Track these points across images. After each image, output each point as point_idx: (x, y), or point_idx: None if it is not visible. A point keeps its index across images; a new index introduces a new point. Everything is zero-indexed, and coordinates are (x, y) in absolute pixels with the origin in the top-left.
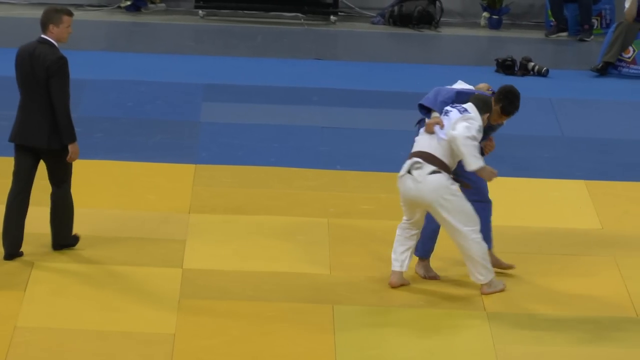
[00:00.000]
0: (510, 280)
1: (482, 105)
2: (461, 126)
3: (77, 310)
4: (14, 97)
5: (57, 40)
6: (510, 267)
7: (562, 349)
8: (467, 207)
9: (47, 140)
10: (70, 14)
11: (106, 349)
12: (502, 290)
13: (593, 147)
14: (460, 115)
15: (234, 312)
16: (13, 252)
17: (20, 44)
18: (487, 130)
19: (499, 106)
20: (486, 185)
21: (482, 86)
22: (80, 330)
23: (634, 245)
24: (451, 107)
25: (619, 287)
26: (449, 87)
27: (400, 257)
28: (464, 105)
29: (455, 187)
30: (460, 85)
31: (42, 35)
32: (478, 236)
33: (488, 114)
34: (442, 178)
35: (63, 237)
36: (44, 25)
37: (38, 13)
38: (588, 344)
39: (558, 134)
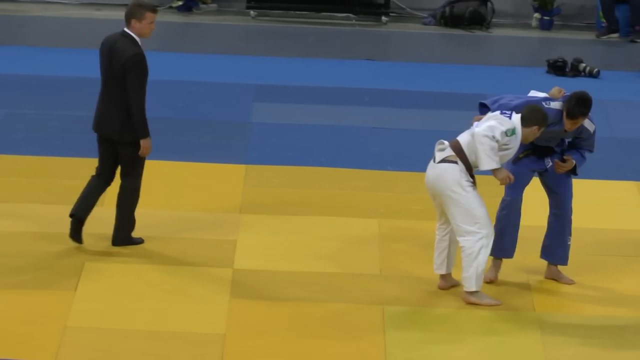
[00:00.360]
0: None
1: (530, 115)
2: (486, 124)
3: (127, 310)
4: (64, 97)
5: (139, 35)
6: (570, 282)
7: (612, 353)
8: (476, 206)
9: (120, 131)
10: (155, 11)
11: (156, 349)
12: (488, 305)
13: None
14: (497, 115)
15: (283, 312)
16: (77, 213)
17: (71, 44)
18: (571, 136)
19: (566, 110)
20: (569, 199)
21: (555, 91)
22: (130, 330)
23: None
24: (502, 112)
25: None
26: (519, 96)
27: (438, 260)
28: (513, 113)
29: (467, 182)
30: (532, 94)
31: (125, 29)
32: (477, 240)
33: (538, 126)
34: (454, 168)
35: (122, 234)
36: (127, 19)
37: (89, 13)
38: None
39: (609, 135)
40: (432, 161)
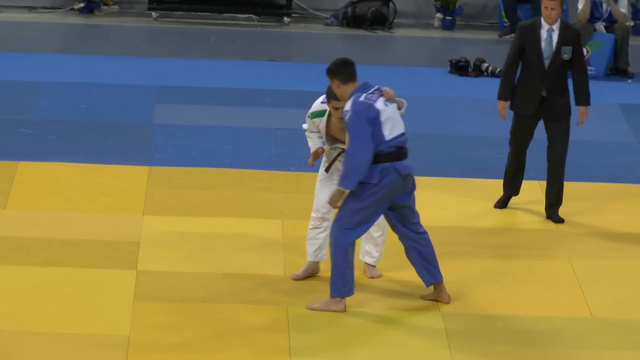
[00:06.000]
0: (466, 281)
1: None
2: None
3: (31, 312)
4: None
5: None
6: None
7: (516, 349)
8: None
9: None
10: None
11: (60, 351)
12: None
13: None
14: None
15: (188, 313)
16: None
17: None
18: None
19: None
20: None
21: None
22: (34, 333)
23: (588, 245)
24: None
25: (574, 287)
26: None
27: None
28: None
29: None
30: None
31: None
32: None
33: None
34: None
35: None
36: None
37: None
38: (541, 344)
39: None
40: None
